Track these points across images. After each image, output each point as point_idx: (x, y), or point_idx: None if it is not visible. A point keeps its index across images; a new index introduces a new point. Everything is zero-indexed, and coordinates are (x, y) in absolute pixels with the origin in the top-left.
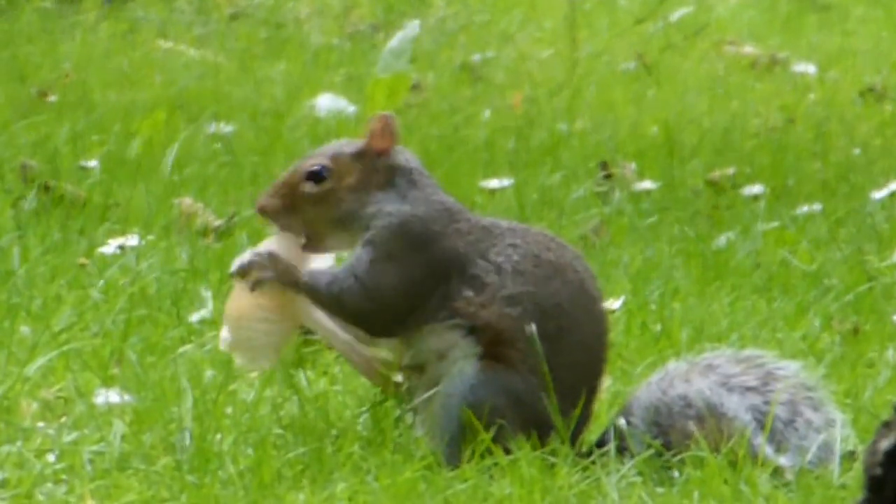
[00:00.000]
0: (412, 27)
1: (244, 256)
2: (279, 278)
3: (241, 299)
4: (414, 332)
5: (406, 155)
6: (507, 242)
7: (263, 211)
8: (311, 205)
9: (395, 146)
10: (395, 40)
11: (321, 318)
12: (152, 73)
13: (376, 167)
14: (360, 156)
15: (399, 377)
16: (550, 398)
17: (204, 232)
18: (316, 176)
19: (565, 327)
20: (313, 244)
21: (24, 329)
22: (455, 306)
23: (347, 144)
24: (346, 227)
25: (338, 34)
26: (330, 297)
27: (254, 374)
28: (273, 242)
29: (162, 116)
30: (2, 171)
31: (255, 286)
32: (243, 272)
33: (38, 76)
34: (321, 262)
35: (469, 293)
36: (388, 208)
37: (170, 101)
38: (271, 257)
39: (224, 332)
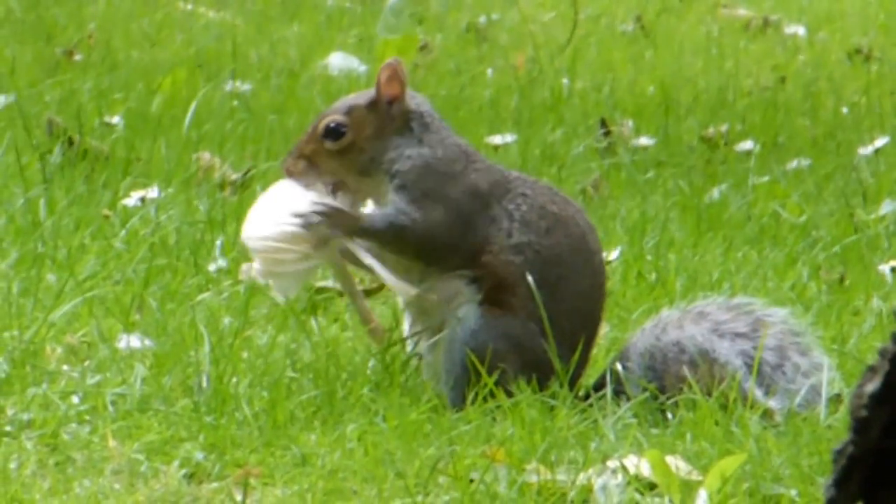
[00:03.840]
0: None
1: (309, 210)
2: (343, 231)
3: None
4: (471, 263)
5: (417, 99)
6: (519, 192)
7: (290, 174)
8: (334, 160)
9: (405, 91)
10: None
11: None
12: (173, 34)
13: (391, 114)
14: (373, 105)
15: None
16: (550, 343)
17: (222, 185)
18: (334, 132)
19: (565, 277)
20: (341, 192)
21: (50, 277)
22: (477, 253)
23: (359, 96)
24: (371, 174)
25: None
26: (392, 236)
27: (280, 299)
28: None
29: (182, 75)
30: (29, 127)
31: (319, 241)
32: (310, 225)
33: (64, 36)
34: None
35: (493, 233)
36: (407, 152)
37: (190, 61)
38: (335, 211)
39: (256, 264)
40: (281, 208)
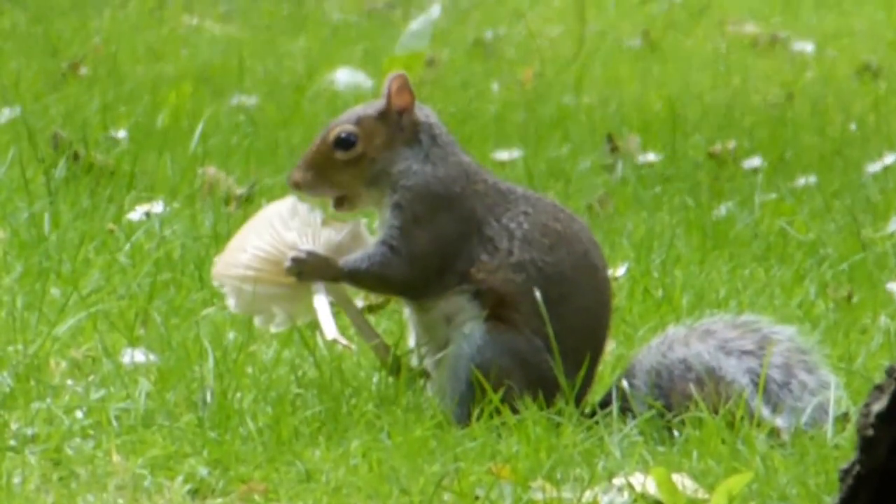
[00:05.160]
0: (433, 10)
1: (296, 254)
2: (323, 277)
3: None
4: (444, 292)
5: (425, 110)
6: (521, 210)
7: (297, 186)
8: (344, 170)
9: (414, 102)
10: (416, 22)
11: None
12: (178, 48)
13: (400, 125)
14: (383, 116)
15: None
16: (556, 360)
17: (227, 199)
18: (345, 143)
19: (567, 294)
20: (346, 205)
21: (55, 291)
22: (469, 271)
23: (368, 107)
24: (378, 184)
25: (356, 11)
26: (372, 276)
27: (272, 330)
28: (292, 210)
29: (187, 89)
30: (34, 141)
31: (301, 279)
32: (294, 271)
33: (70, 50)
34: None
35: (484, 257)
36: (414, 167)
37: (195, 75)
38: (314, 257)
39: (230, 301)
40: (255, 244)
